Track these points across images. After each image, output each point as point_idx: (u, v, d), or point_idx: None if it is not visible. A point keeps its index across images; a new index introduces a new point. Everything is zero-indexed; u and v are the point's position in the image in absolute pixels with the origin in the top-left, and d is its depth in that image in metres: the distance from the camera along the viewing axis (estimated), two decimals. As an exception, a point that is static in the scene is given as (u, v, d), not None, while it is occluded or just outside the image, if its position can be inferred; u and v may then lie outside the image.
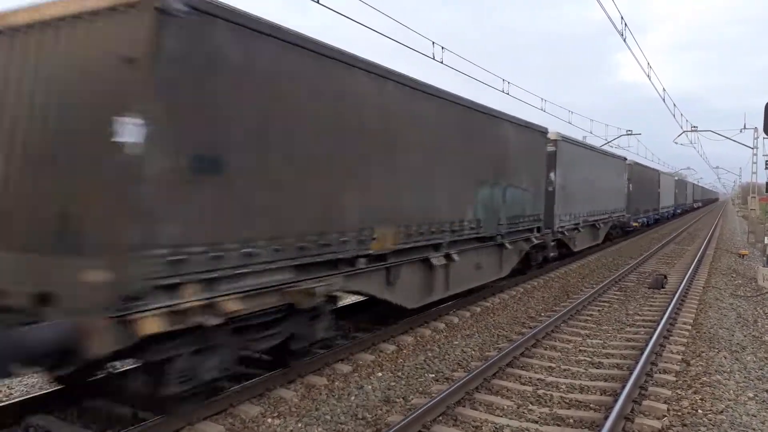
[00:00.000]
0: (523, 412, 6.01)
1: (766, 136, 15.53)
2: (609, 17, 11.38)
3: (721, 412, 6.06)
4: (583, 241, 19.39)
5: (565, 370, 7.47)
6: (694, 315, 10.70)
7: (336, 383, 6.71)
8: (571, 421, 5.84)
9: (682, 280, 14.03)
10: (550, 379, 7.07)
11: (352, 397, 6.32)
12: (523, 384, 6.88)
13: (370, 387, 6.65)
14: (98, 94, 4.61)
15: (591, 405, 6.24)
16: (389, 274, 8.02)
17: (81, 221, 4.54)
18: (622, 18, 12.92)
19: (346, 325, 9.04)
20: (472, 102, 10.10)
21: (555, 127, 15.14)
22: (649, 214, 32.98)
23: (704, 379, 7.08)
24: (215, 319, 5.05)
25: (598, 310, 11.20)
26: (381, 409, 6.03)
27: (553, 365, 7.63)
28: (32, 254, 4.71)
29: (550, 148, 15.18)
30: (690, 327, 9.75)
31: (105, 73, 4.58)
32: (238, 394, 5.96)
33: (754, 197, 31.40)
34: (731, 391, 6.72)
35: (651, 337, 8.41)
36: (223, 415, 5.66)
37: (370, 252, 7.39)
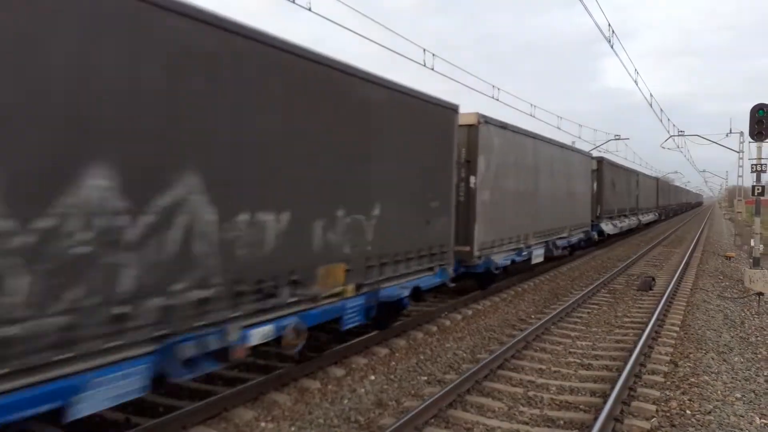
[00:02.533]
0: (514, 414, 6.08)
1: (751, 141, 15.75)
2: (597, 24, 11.53)
3: (709, 412, 6.16)
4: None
5: (555, 371, 7.55)
6: (682, 317, 10.83)
7: (329, 387, 6.74)
8: (562, 422, 5.91)
9: (670, 282, 14.19)
10: (540, 380, 7.15)
11: (345, 401, 6.36)
12: (514, 386, 6.94)
13: (362, 390, 6.69)
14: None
15: (581, 406, 6.32)
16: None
17: None
18: (609, 25, 13.08)
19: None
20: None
21: (545, 131, 16.10)
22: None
23: (692, 379, 7.19)
24: None
25: (588, 313, 11.32)
26: (374, 412, 6.07)
27: (544, 367, 7.71)
28: None
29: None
30: (678, 328, 9.88)
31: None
32: (231, 398, 5.98)
33: (740, 200, 31.78)
34: (719, 392, 6.82)
35: (639, 339, 8.52)
36: (217, 419, 5.68)
37: None
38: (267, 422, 5.74)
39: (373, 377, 7.17)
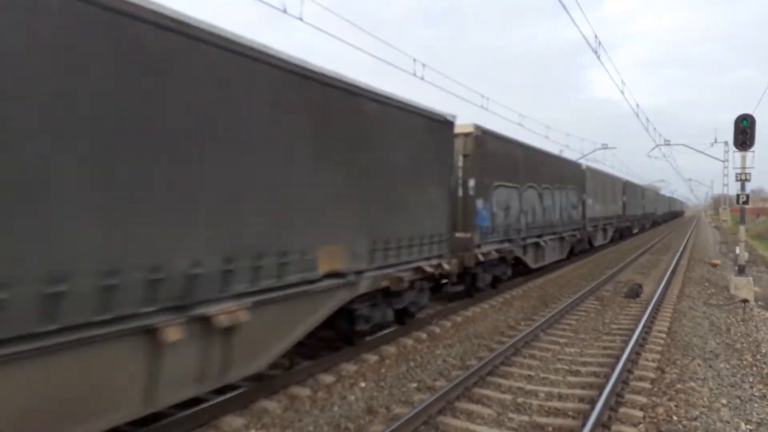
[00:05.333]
0: (503, 420, 6.11)
1: (736, 150, 15.98)
2: (583, 36, 11.68)
3: (695, 418, 6.23)
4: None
5: (543, 378, 7.60)
6: (668, 323, 10.94)
7: (319, 394, 6.74)
8: (550, 429, 5.94)
9: (657, 290, 14.33)
10: (529, 387, 7.19)
11: (335, 408, 6.36)
12: (503, 392, 6.98)
13: (353, 397, 6.69)
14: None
15: (569, 412, 6.36)
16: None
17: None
18: (596, 36, 13.26)
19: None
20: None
21: (533, 141, 17.47)
22: None
23: (679, 386, 7.26)
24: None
25: (576, 319, 11.39)
26: (364, 419, 6.07)
27: (532, 374, 7.75)
28: None
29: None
30: (665, 335, 9.97)
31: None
32: (220, 406, 5.96)
33: (726, 208, 32.16)
34: (705, 398, 6.90)
35: (627, 346, 8.60)
36: (206, 427, 5.66)
37: None
38: (257, 430, 5.72)
39: (363, 384, 7.17)
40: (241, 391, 6.33)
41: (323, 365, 7.53)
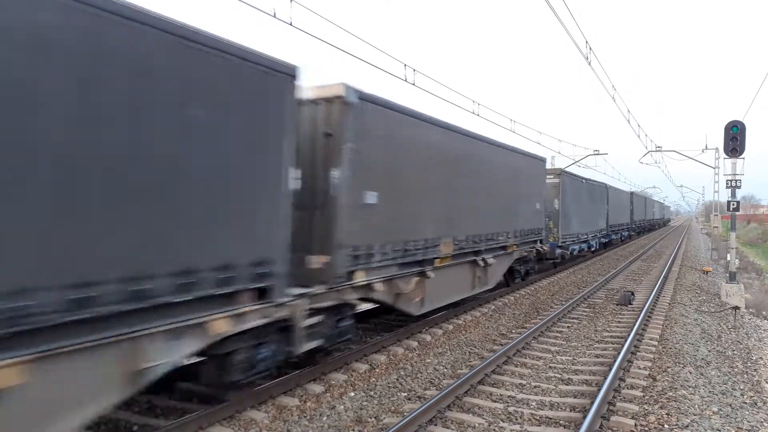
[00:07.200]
0: (494, 430, 6.05)
1: (726, 157, 16.05)
2: (574, 41, 11.71)
3: (687, 426, 6.19)
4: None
5: (535, 386, 7.55)
6: (660, 331, 10.93)
7: (308, 404, 6.66)
8: (542, 438, 5.89)
9: (649, 297, 14.33)
10: (520, 396, 7.14)
11: (324, 418, 6.28)
12: (495, 401, 6.93)
13: (342, 407, 6.62)
14: None
15: (561, 421, 6.32)
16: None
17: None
18: (587, 42, 13.31)
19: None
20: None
21: (524, 146, 17.01)
22: None
23: (670, 394, 7.23)
24: None
25: (568, 327, 11.36)
26: (353, 430, 6.00)
27: (524, 382, 7.70)
28: None
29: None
30: (656, 343, 9.96)
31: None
32: (207, 417, 5.87)
33: (717, 215, 32.33)
34: (696, 406, 6.87)
35: (619, 353, 8.57)
36: (193, 438, 5.57)
37: None
38: (244, 441, 5.64)
39: (352, 393, 7.10)
40: (228, 401, 6.24)
41: (311, 374, 7.45)
